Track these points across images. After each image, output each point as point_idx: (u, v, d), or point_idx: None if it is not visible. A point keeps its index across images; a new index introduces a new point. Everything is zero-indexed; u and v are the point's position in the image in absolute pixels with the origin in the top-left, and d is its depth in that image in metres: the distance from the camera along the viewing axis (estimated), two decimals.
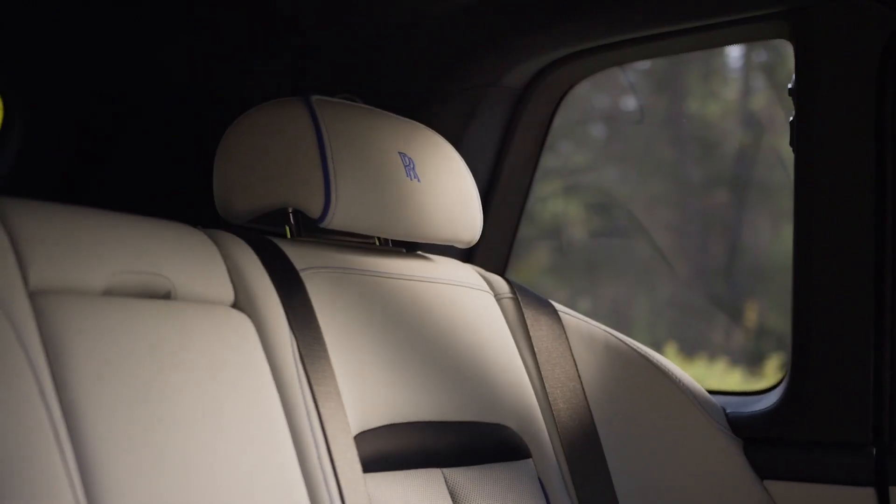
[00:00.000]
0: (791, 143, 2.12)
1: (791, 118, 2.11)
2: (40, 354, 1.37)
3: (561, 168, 4.89)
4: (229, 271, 1.73)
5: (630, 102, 5.01)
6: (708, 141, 4.84)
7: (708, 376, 4.09)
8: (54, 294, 1.43)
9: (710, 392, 2.27)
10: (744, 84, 4.68)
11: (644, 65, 4.50)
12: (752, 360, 4.34)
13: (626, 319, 5.20)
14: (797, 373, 2.11)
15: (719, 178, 4.65)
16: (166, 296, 1.60)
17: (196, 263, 1.68)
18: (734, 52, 4.56)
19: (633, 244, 4.56)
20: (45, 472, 1.29)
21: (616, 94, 4.99)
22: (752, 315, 4.38)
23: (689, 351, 4.39)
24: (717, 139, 4.80)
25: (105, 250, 1.54)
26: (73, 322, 1.42)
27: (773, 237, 4.22)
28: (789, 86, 2.12)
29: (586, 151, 5.08)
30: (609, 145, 5.10)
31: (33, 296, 1.40)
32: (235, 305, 1.71)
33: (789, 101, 2.12)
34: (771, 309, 4.17)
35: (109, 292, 1.52)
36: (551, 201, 4.86)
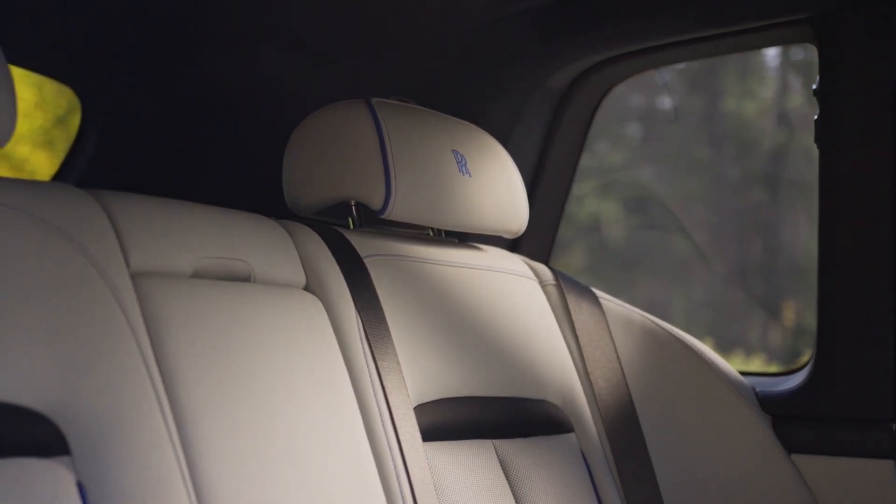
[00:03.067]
0: (816, 141, 2.25)
1: (816, 117, 2.24)
2: (142, 329, 1.52)
3: (597, 167, 4.90)
4: (301, 258, 1.87)
5: (666, 101, 5.02)
6: (744, 140, 4.83)
7: None
8: (151, 276, 1.59)
9: (741, 373, 2.40)
10: (780, 83, 4.64)
11: (680, 64, 4.52)
12: (788, 358, 4.38)
13: (662, 317, 5.23)
14: (822, 354, 2.24)
15: (756, 176, 4.62)
16: (246, 279, 1.76)
17: (272, 250, 1.83)
18: (771, 52, 4.50)
19: (669, 242, 4.60)
20: (149, 430, 1.45)
21: (652, 93, 5.00)
22: (789, 314, 4.39)
23: (725, 347, 4.40)
24: (753, 138, 4.79)
25: (193, 238, 1.70)
26: (168, 300, 1.58)
27: (811, 236, 4.26)
28: (814, 86, 2.25)
29: (622, 151, 5.08)
30: (645, 144, 5.10)
31: (134, 277, 1.56)
32: (307, 288, 1.86)
33: None
34: (808, 308, 4.19)
35: (197, 275, 1.68)
36: (588, 200, 4.87)
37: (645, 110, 5.07)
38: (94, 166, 2.82)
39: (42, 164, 3.70)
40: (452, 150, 2.15)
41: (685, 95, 4.96)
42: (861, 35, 2.19)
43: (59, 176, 2.88)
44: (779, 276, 4.53)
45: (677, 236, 4.70)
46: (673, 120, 4.42)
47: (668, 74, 4.43)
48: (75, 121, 2.94)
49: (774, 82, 4.70)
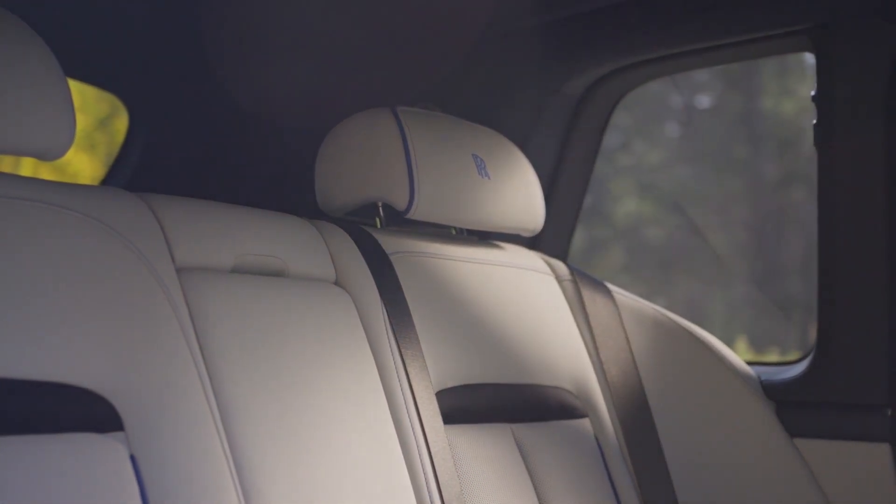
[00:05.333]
0: (814, 144, 2.37)
1: (814, 122, 2.37)
2: (187, 318, 1.66)
3: (635, 167, 4.90)
4: (331, 254, 2.00)
5: (704, 100, 4.99)
6: (782, 138, 4.83)
7: None
8: (194, 270, 1.73)
9: (747, 362, 2.52)
10: None
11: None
12: None
13: (701, 316, 5.03)
14: (822, 344, 2.37)
15: (795, 175, 4.66)
16: (280, 274, 1.89)
17: (304, 248, 1.95)
18: None
19: (708, 242, 4.62)
20: (194, 408, 1.59)
21: (690, 92, 4.98)
22: None
23: (760, 345, 4.45)
24: (791, 136, 4.80)
25: (232, 236, 1.83)
26: (210, 293, 1.72)
27: None
28: (812, 93, 2.38)
29: (660, 150, 5.07)
30: (683, 143, 5.09)
31: (179, 271, 1.70)
32: (337, 283, 1.99)
33: None
34: None
35: (236, 270, 1.81)
36: (625, 200, 4.89)
37: (683, 109, 5.03)
38: (140, 170, 2.93)
39: (84, 167, 3.76)
40: (472, 154, 2.26)
41: (723, 94, 4.95)
42: (855, 45, 2.31)
43: (107, 179, 2.99)
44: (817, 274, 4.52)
45: (716, 236, 4.70)
46: (686, 123, 4.42)
47: (705, 73, 4.47)
48: (117, 124, 3.03)
49: (813, 80, 4.69)
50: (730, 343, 3.82)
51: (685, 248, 4.94)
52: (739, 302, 4.83)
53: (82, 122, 3.65)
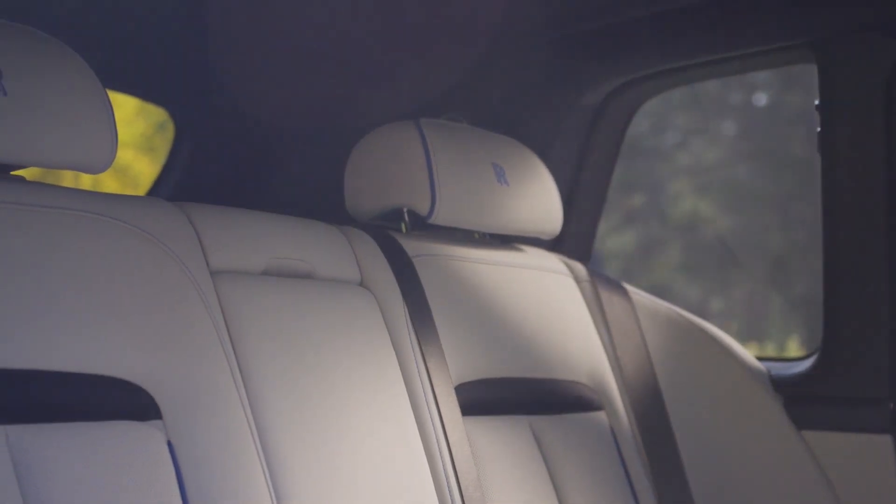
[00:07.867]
0: (818, 151, 2.49)
1: (818, 130, 2.48)
2: (220, 317, 1.78)
3: (692, 166, 4.99)
4: (356, 257, 2.12)
5: (762, 98, 5.06)
6: None
7: None
8: (227, 273, 1.86)
9: (757, 358, 2.64)
10: None
11: None
12: None
13: (756, 315, 5.01)
14: (828, 341, 2.49)
15: None
16: (308, 276, 2.01)
17: (331, 252, 2.07)
18: None
19: (766, 240, 4.68)
20: (226, 399, 1.71)
21: (749, 90, 5.06)
22: None
23: (812, 344, 4.56)
24: None
25: (263, 241, 1.95)
26: (242, 295, 1.85)
27: None
28: (815, 102, 2.49)
29: (718, 148, 5.12)
30: (741, 141, 5.15)
31: (213, 274, 1.83)
32: (362, 284, 2.11)
33: None
34: None
35: (266, 272, 1.94)
36: (682, 199, 4.97)
37: (741, 107, 5.10)
38: (186, 177, 3.09)
39: (144, 170, 3.91)
40: (492, 163, 2.39)
41: (780, 92, 5.03)
42: (855, 58, 2.43)
43: (156, 184, 3.15)
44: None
45: (775, 234, 4.77)
46: (704, 132, 4.45)
47: (763, 72, 4.54)
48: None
49: None
50: (782, 341, 3.95)
51: (742, 246, 4.96)
52: (796, 300, 4.86)
53: (142, 126, 3.77)
